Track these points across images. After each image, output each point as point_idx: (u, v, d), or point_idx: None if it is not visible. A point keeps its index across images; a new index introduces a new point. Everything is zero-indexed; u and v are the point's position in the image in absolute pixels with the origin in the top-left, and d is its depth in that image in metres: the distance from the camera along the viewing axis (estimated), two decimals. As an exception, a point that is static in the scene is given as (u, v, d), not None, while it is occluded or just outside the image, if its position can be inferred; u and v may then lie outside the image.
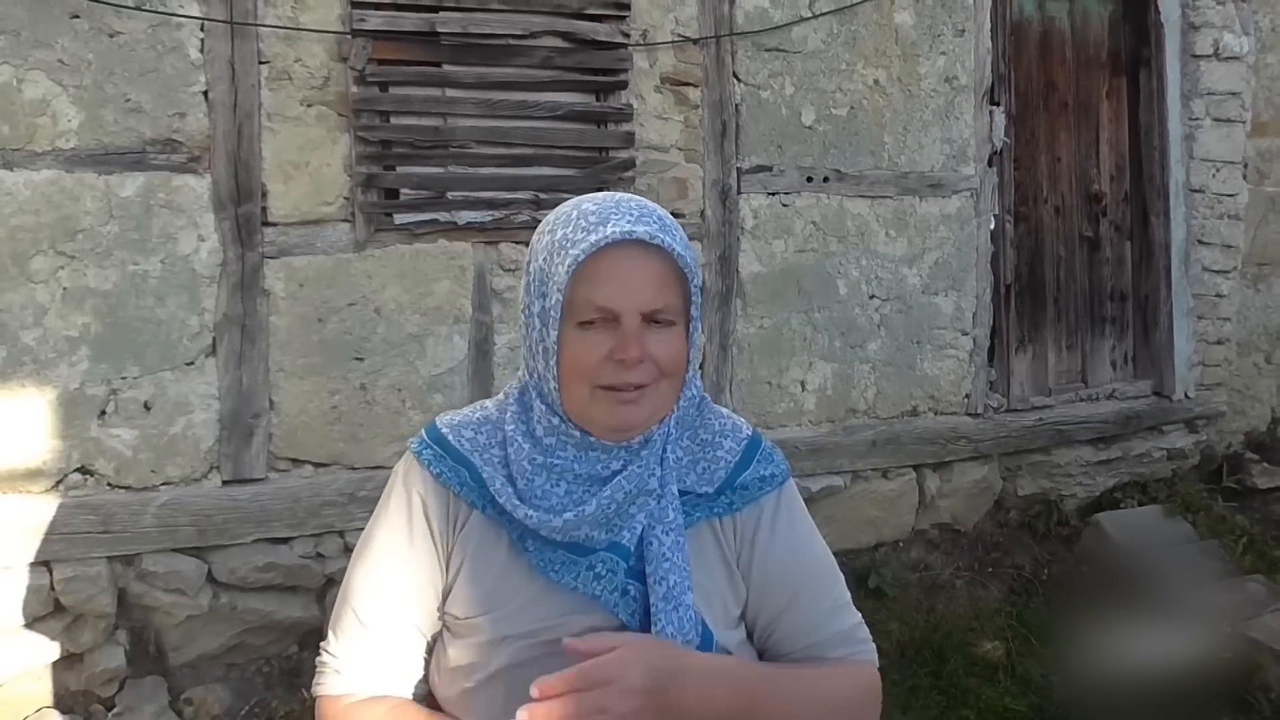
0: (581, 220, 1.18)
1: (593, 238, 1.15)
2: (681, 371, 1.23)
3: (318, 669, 1.30)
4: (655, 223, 1.18)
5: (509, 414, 1.28)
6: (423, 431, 1.33)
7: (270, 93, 3.21)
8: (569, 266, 1.15)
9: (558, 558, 1.22)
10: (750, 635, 1.34)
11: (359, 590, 1.28)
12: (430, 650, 1.31)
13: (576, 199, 1.23)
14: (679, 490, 1.27)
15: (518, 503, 1.22)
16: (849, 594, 1.39)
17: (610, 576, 1.21)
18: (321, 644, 1.31)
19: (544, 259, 1.19)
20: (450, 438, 1.29)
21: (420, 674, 1.31)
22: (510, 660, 1.21)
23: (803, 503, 1.39)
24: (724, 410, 1.39)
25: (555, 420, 1.22)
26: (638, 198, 1.24)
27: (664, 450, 1.25)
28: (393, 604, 1.27)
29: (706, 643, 1.23)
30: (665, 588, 1.20)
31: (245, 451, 3.23)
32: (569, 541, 1.21)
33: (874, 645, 1.38)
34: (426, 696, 1.31)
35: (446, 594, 1.27)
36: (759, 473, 1.32)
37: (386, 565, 1.27)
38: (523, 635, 1.21)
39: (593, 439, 1.22)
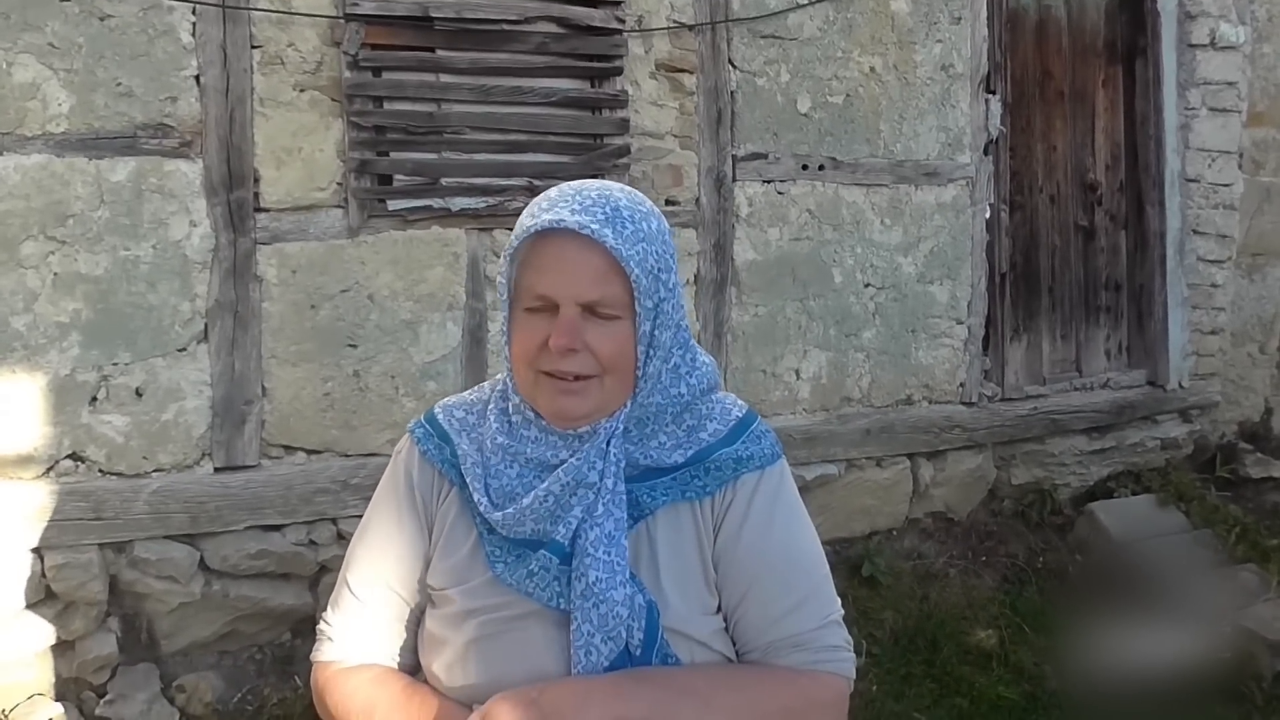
0: (535, 206, 1.20)
1: (530, 224, 1.17)
2: (626, 366, 1.20)
3: (317, 636, 1.37)
4: (601, 215, 1.15)
5: (495, 394, 1.31)
6: (423, 412, 1.40)
7: (263, 77, 3.19)
8: (508, 252, 1.20)
9: (508, 552, 1.24)
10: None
11: (354, 564, 1.35)
12: (419, 620, 1.35)
13: (563, 184, 1.24)
14: (650, 467, 1.25)
15: (479, 487, 1.25)
16: (830, 595, 1.29)
17: (543, 574, 1.22)
18: (322, 614, 1.38)
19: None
20: (440, 417, 1.35)
21: (409, 643, 1.35)
22: (478, 633, 1.24)
23: (793, 490, 1.31)
24: (727, 396, 1.34)
25: (517, 399, 1.25)
26: (610, 186, 1.22)
27: (608, 444, 1.22)
28: (383, 577, 1.32)
29: (651, 636, 1.20)
30: (584, 584, 1.18)
31: (237, 438, 3.22)
32: (516, 538, 1.23)
33: (849, 654, 1.28)
34: (416, 665, 1.35)
35: (428, 565, 1.31)
36: (737, 453, 1.26)
37: (378, 540, 1.34)
38: (488, 609, 1.24)
39: (544, 422, 1.24)
